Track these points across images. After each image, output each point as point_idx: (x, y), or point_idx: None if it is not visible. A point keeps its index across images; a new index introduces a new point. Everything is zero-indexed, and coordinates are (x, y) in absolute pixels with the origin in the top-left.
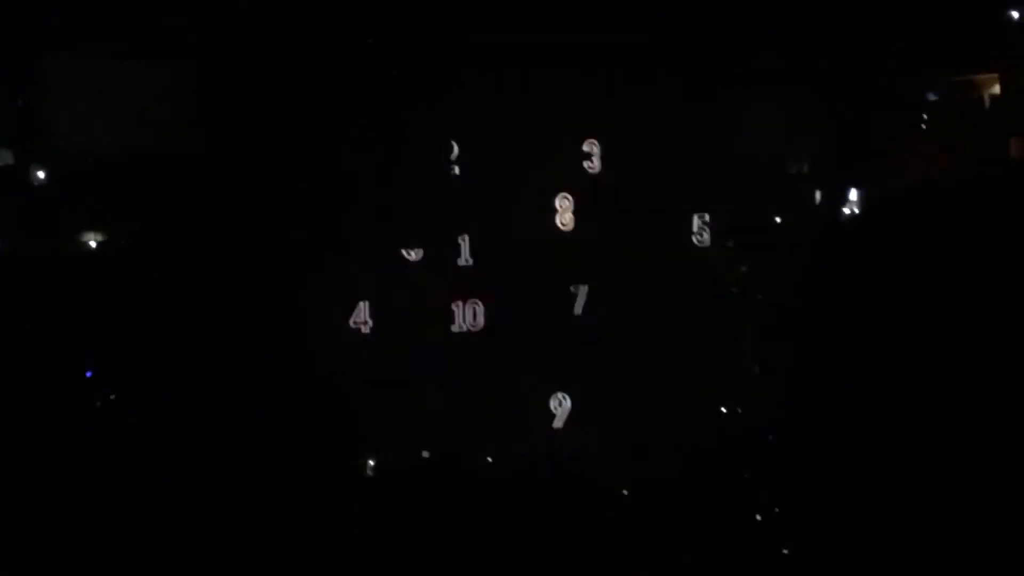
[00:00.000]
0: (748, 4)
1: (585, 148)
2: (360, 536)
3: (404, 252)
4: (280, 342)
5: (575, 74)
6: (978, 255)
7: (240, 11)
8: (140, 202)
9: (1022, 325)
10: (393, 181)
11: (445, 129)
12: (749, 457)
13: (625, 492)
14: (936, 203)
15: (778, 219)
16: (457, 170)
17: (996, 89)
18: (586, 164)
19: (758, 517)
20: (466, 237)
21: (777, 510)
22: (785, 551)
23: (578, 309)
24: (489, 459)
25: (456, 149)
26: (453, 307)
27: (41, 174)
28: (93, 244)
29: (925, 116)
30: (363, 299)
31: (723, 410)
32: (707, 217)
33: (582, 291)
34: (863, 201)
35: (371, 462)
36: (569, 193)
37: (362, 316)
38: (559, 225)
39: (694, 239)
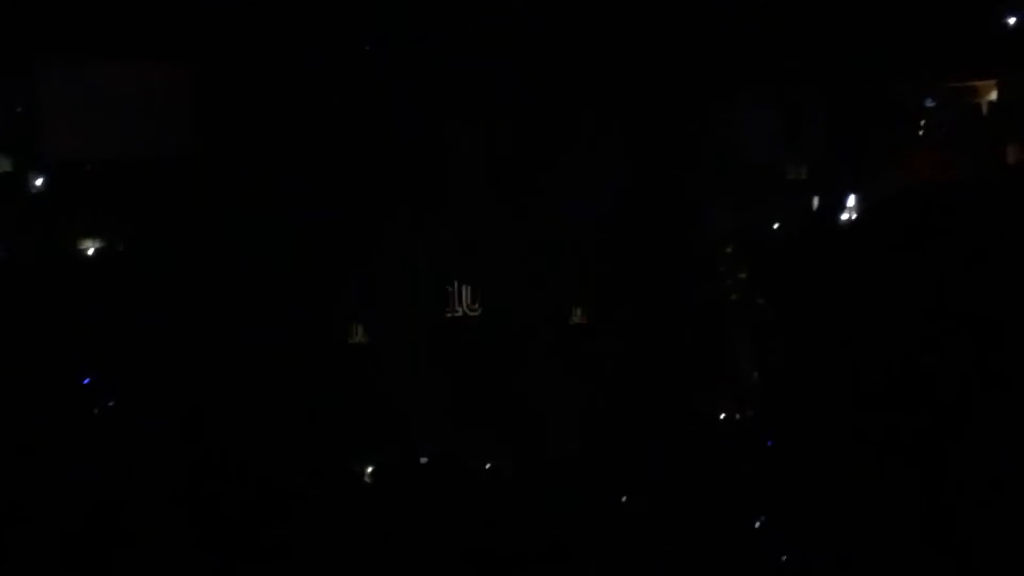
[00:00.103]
0: (747, 14)
1: (582, 159)
2: (359, 540)
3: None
4: (275, 347)
5: (574, 85)
6: (976, 260)
7: (234, 29)
8: (137, 209)
9: (1020, 329)
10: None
11: (443, 133)
12: (748, 462)
13: (624, 499)
14: (934, 208)
15: (777, 225)
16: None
17: (993, 95)
18: (585, 174)
19: (756, 524)
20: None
21: (775, 515)
22: (784, 557)
23: (578, 318)
24: (487, 466)
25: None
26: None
27: (39, 181)
28: (90, 251)
29: (923, 122)
30: (359, 307)
31: (722, 416)
32: (707, 224)
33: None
34: (862, 206)
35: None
36: (567, 204)
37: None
38: (559, 234)
39: (694, 247)
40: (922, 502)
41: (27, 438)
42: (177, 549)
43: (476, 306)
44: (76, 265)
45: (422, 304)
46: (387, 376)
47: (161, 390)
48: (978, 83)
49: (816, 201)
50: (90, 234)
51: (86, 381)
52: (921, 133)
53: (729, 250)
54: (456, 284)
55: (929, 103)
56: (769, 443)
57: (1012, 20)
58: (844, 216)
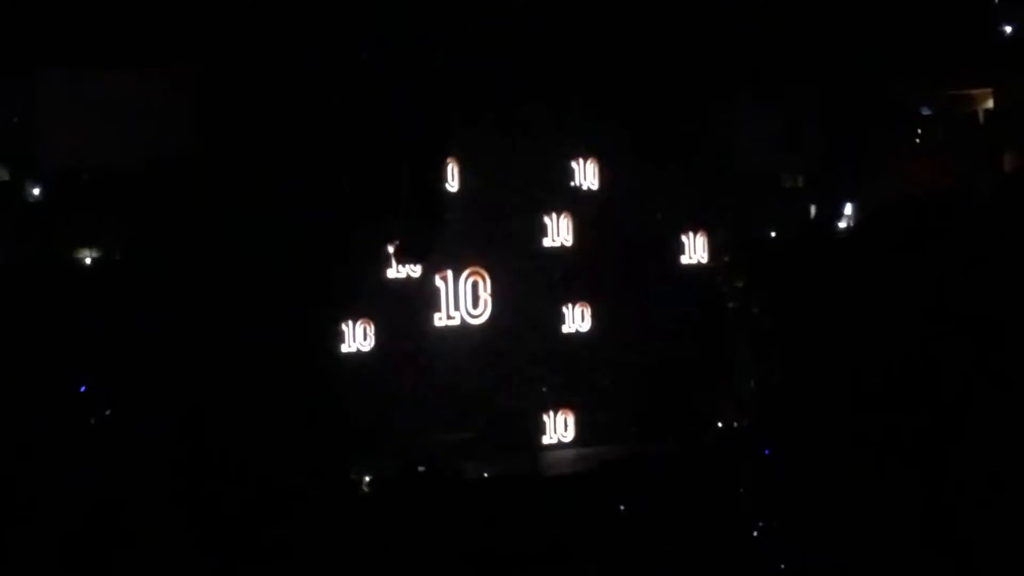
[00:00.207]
0: (745, 22)
1: (581, 167)
2: (359, 541)
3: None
4: (272, 354)
5: (573, 90)
6: (974, 267)
7: (233, 36)
8: (133, 216)
9: (1019, 335)
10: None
11: (444, 146)
12: (746, 469)
13: (622, 507)
14: (931, 216)
15: (774, 233)
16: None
17: (990, 103)
18: (583, 183)
19: (754, 533)
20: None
21: (773, 524)
22: (782, 565)
23: (575, 327)
24: (485, 474)
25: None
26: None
27: (36, 190)
28: (87, 259)
29: (920, 130)
30: (358, 317)
31: (720, 424)
32: (704, 232)
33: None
34: (859, 214)
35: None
36: (567, 212)
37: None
38: (559, 243)
39: (690, 255)
40: (922, 505)
41: (27, 441)
42: (177, 549)
43: (477, 312)
44: (73, 272)
45: (422, 309)
46: (385, 381)
47: (160, 395)
48: (975, 91)
49: (813, 209)
50: (87, 242)
51: (82, 389)
52: (918, 140)
53: (727, 258)
54: (456, 289)
55: (926, 111)
56: (766, 452)
57: (1008, 29)
58: (842, 224)
